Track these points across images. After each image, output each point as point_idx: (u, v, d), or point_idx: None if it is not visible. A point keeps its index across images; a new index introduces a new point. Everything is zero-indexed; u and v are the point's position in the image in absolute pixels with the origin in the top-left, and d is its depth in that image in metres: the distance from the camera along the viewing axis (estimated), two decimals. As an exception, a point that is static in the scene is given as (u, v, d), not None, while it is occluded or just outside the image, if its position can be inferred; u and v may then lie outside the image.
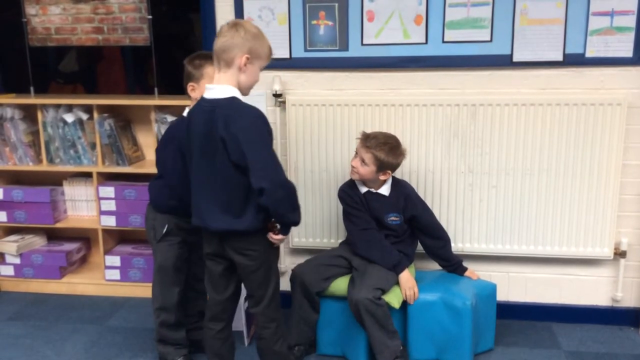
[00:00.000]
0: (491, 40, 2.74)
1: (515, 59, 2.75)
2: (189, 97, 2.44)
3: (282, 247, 3.05)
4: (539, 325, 2.96)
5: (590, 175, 2.76)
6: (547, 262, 2.93)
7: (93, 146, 3.28)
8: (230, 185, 2.01)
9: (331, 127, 2.89)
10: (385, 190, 2.64)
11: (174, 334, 2.58)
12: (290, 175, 2.94)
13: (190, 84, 2.40)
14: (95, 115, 3.20)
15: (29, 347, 2.83)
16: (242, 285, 2.28)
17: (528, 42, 2.72)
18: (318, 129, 2.90)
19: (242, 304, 2.74)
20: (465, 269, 2.76)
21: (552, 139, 2.75)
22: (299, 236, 3.01)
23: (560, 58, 2.72)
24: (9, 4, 3.55)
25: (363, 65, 2.85)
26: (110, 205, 3.25)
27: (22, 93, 3.49)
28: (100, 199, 3.25)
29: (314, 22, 2.84)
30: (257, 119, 2.01)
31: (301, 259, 2.80)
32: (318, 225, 2.99)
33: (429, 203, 2.83)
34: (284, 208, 2.03)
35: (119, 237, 3.52)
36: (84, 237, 3.61)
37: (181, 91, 2.49)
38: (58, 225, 3.40)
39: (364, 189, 2.64)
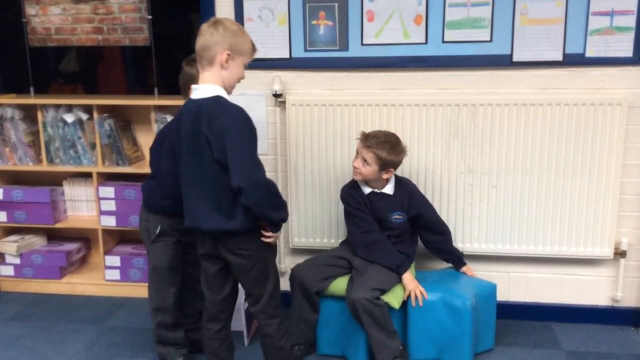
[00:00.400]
0: (491, 40, 2.74)
1: (515, 58, 2.75)
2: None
3: (282, 247, 3.05)
4: (539, 325, 2.96)
5: (590, 175, 2.76)
6: (547, 262, 2.93)
7: (93, 146, 3.28)
8: (218, 185, 2.01)
9: (331, 127, 2.89)
10: (389, 189, 2.63)
11: (173, 334, 2.57)
12: (290, 175, 2.94)
13: (193, 87, 2.38)
14: (95, 115, 3.20)
15: (29, 347, 2.83)
16: (240, 285, 2.28)
17: (528, 42, 2.72)
18: (318, 129, 2.90)
19: (242, 304, 2.74)
20: (464, 264, 2.78)
21: (552, 138, 2.75)
22: (299, 236, 3.01)
23: (560, 58, 2.72)
24: (9, 4, 3.56)
25: (363, 65, 2.85)
26: (110, 206, 3.25)
27: (22, 93, 3.49)
28: (100, 199, 3.25)
29: (314, 22, 2.84)
30: (239, 117, 2.00)
31: (301, 259, 2.80)
32: (318, 225, 2.99)
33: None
34: (265, 207, 2.02)
35: (119, 237, 3.52)
36: (84, 237, 3.61)
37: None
38: (58, 225, 3.40)
39: (367, 190, 2.63)
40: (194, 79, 2.37)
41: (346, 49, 2.85)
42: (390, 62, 2.83)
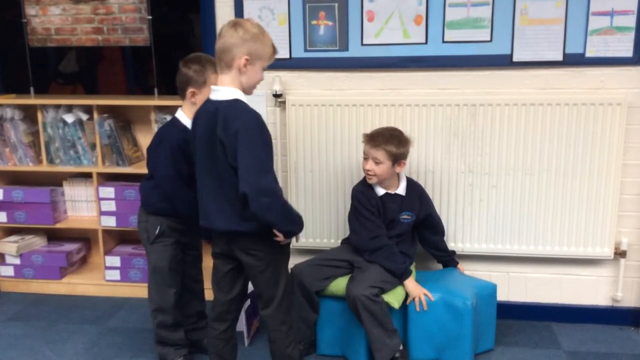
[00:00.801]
0: (491, 40, 2.74)
1: (515, 58, 2.75)
2: (184, 101, 2.42)
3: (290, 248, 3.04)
4: (539, 325, 2.95)
5: (591, 175, 2.76)
6: (547, 262, 2.93)
7: (93, 146, 3.28)
8: (232, 187, 1.99)
9: (331, 127, 2.89)
10: (402, 190, 2.64)
11: (173, 334, 2.57)
12: (290, 175, 2.94)
13: (190, 89, 2.37)
14: (95, 115, 3.20)
15: (29, 348, 2.83)
16: (248, 288, 2.28)
17: (528, 42, 2.72)
18: (318, 129, 2.90)
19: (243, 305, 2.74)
20: (457, 263, 2.82)
21: (552, 138, 2.75)
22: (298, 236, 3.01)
23: (560, 58, 2.72)
24: (9, 4, 3.55)
25: (363, 65, 2.85)
26: (110, 206, 3.25)
27: (22, 93, 3.49)
28: (100, 199, 3.25)
29: (314, 22, 2.84)
30: (253, 123, 1.97)
31: (301, 259, 2.79)
32: (318, 225, 2.99)
33: (429, 203, 2.84)
34: (272, 216, 1.97)
35: (119, 238, 3.52)
36: (84, 238, 3.61)
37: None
38: (58, 225, 3.40)
39: (381, 192, 2.62)
40: (191, 80, 2.36)
41: (346, 49, 2.85)
42: (390, 62, 2.83)
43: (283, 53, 2.86)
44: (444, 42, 2.77)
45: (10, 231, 3.50)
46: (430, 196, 2.83)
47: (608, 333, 2.88)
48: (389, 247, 2.57)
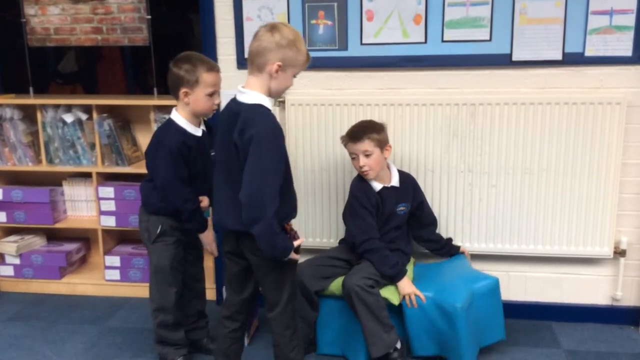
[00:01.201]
0: (490, 40, 2.74)
1: (515, 58, 2.74)
2: (178, 101, 2.41)
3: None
4: (539, 324, 2.96)
5: (590, 174, 2.76)
6: (547, 261, 2.93)
7: (92, 146, 3.28)
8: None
9: (331, 127, 2.89)
10: (395, 181, 2.65)
11: (173, 334, 2.57)
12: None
13: (183, 89, 2.35)
14: (95, 115, 3.20)
15: (29, 348, 2.83)
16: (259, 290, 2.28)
17: (527, 41, 2.71)
18: (317, 128, 2.90)
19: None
20: (458, 248, 2.81)
21: (552, 138, 2.75)
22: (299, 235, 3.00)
23: (559, 57, 2.72)
24: (8, 4, 3.55)
25: (362, 64, 2.85)
26: (110, 206, 3.25)
27: (21, 93, 3.48)
28: (99, 199, 3.25)
29: (313, 21, 2.84)
30: (269, 132, 1.93)
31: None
32: (318, 225, 2.99)
33: (428, 202, 2.83)
34: (255, 231, 1.93)
35: (118, 238, 3.52)
36: (84, 238, 3.61)
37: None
38: (58, 225, 3.40)
39: (378, 186, 2.62)
40: (183, 80, 2.34)
41: (345, 48, 2.85)
42: (390, 62, 2.83)
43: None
44: (443, 41, 2.77)
45: (9, 231, 3.50)
46: (430, 195, 2.84)
47: (608, 332, 2.88)
48: (381, 250, 2.56)
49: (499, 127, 2.77)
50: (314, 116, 2.88)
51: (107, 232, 3.37)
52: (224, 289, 3.06)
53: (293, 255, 2.06)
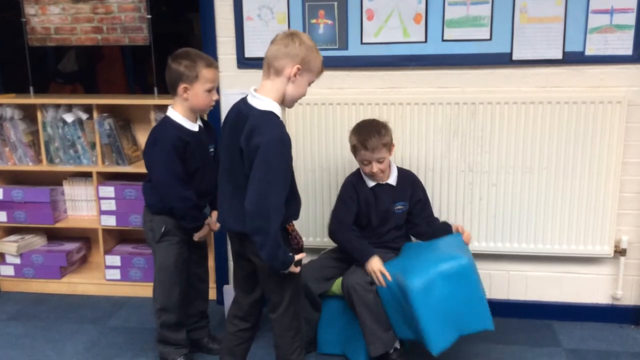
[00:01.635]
0: (491, 39, 2.74)
1: (515, 57, 2.74)
2: (176, 97, 2.41)
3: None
4: (539, 324, 2.96)
5: (590, 173, 2.76)
6: (547, 260, 2.93)
7: (93, 146, 3.28)
8: (244, 192, 1.97)
9: (331, 126, 2.89)
10: (393, 180, 2.63)
11: (175, 334, 2.57)
12: (290, 175, 2.94)
13: (182, 84, 2.35)
14: (95, 115, 3.20)
15: (30, 347, 2.84)
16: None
17: (528, 40, 2.72)
18: (318, 128, 2.90)
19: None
20: (450, 226, 2.65)
21: (552, 137, 2.75)
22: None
23: (559, 56, 2.72)
24: (8, 4, 3.55)
25: (363, 64, 2.85)
26: (110, 205, 3.25)
27: (21, 93, 3.49)
28: (100, 198, 3.25)
29: (314, 21, 2.84)
30: (276, 141, 1.92)
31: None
32: (319, 225, 2.99)
33: (429, 201, 2.83)
34: (257, 240, 1.92)
35: (119, 237, 3.52)
36: (84, 237, 3.61)
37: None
38: (58, 225, 3.40)
39: (371, 183, 2.62)
40: (182, 76, 2.34)
41: (346, 47, 2.85)
42: (390, 61, 2.83)
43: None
44: (443, 40, 2.77)
45: (10, 231, 3.50)
46: (430, 194, 2.83)
47: (608, 331, 2.88)
48: (345, 233, 2.57)
49: (500, 126, 2.77)
50: (314, 115, 2.88)
51: (107, 231, 3.37)
52: (224, 288, 3.07)
53: (292, 269, 2.03)
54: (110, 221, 3.28)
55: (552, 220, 2.82)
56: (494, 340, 2.79)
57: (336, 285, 2.60)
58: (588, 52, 2.70)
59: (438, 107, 2.80)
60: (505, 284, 2.99)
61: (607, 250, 2.82)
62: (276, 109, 1.99)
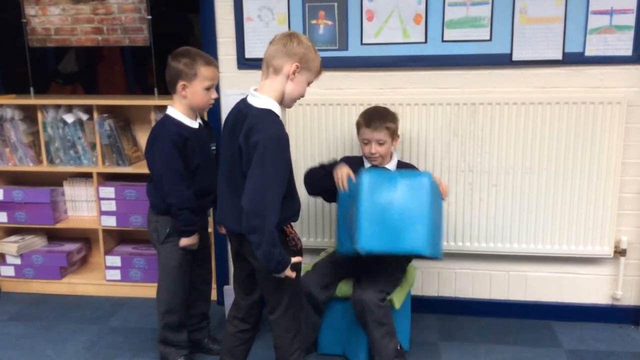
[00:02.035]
0: (491, 39, 2.74)
1: (515, 57, 2.75)
2: (175, 95, 2.42)
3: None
4: (539, 324, 2.96)
5: (590, 174, 2.76)
6: (547, 261, 2.93)
7: (93, 146, 3.28)
8: (243, 191, 1.97)
9: (331, 127, 2.89)
10: (392, 167, 2.60)
11: (177, 335, 2.57)
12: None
13: (181, 82, 2.36)
14: (95, 115, 3.20)
15: (30, 348, 2.84)
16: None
17: (527, 40, 2.72)
18: (318, 128, 2.90)
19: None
20: None
21: (552, 137, 2.75)
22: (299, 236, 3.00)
23: (559, 57, 2.72)
24: (9, 4, 3.55)
25: (363, 64, 2.85)
26: (111, 206, 3.26)
27: (22, 94, 3.49)
28: (100, 199, 3.25)
29: (314, 21, 2.84)
30: (274, 140, 1.92)
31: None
32: (319, 225, 2.99)
33: (429, 202, 2.84)
34: (253, 240, 1.91)
35: (119, 238, 3.52)
36: (85, 238, 3.61)
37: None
38: (58, 225, 3.40)
39: (369, 164, 2.61)
40: (181, 74, 2.36)
41: (346, 48, 2.85)
42: (390, 62, 2.83)
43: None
44: (443, 41, 2.77)
45: (10, 231, 3.50)
46: (430, 195, 2.83)
47: (608, 331, 2.88)
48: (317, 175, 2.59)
49: (499, 127, 2.78)
50: (314, 116, 2.89)
51: (107, 232, 3.37)
52: (225, 288, 3.07)
53: (288, 273, 2.01)
54: (110, 222, 3.28)
55: (552, 220, 2.83)
56: (494, 341, 2.79)
57: (338, 288, 2.60)
58: (588, 53, 2.70)
59: (438, 107, 2.80)
60: (505, 284, 2.99)
61: (607, 250, 2.82)
62: (275, 107, 2.00)
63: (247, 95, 2.06)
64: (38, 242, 3.50)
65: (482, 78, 2.80)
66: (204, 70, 2.36)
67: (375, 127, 2.50)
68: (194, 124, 2.45)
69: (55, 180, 3.44)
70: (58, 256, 3.40)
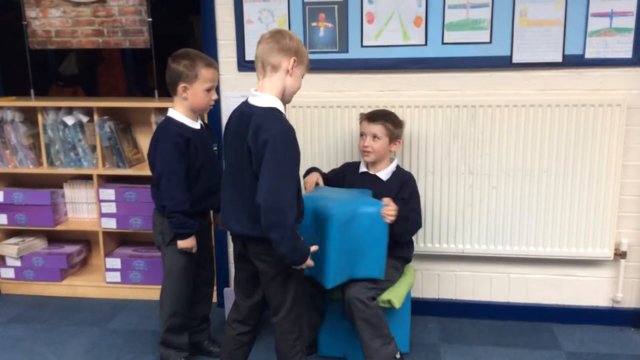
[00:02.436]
0: (491, 42, 2.74)
1: (515, 60, 2.75)
2: (175, 97, 2.43)
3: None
4: (539, 326, 2.96)
5: (590, 176, 2.76)
6: (547, 263, 2.93)
7: (93, 148, 3.28)
8: (251, 193, 1.98)
9: (331, 129, 2.89)
10: (384, 175, 2.62)
11: (178, 337, 2.57)
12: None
13: (182, 84, 2.37)
14: (96, 117, 3.20)
15: (30, 350, 2.83)
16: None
17: (527, 43, 2.72)
18: (318, 130, 2.90)
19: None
20: None
21: (552, 140, 2.75)
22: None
23: (559, 59, 2.72)
24: (9, 6, 3.55)
25: (363, 67, 2.86)
26: (111, 208, 3.26)
27: (22, 96, 3.49)
28: (100, 201, 3.25)
29: (314, 24, 2.85)
30: (283, 135, 1.92)
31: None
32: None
33: (429, 204, 2.84)
34: (274, 236, 1.91)
35: (119, 240, 3.52)
36: (85, 240, 3.61)
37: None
38: (58, 227, 3.40)
39: (363, 169, 2.65)
40: (182, 75, 2.36)
41: (346, 50, 2.85)
42: (390, 64, 2.83)
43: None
44: (443, 43, 2.78)
45: (10, 233, 3.51)
46: (431, 197, 2.84)
47: (608, 334, 2.88)
48: None
49: (500, 129, 2.78)
50: (314, 118, 2.89)
51: (107, 234, 3.37)
52: (225, 290, 3.07)
53: (309, 262, 2.04)
54: (110, 224, 3.28)
55: (552, 222, 2.83)
56: (494, 343, 2.79)
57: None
58: (588, 55, 2.70)
59: (438, 109, 2.80)
60: (505, 286, 2.99)
61: (607, 252, 2.82)
62: (278, 104, 2.01)
63: (247, 97, 2.06)
64: (38, 244, 3.50)
65: (482, 80, 2.81)
66: (204, 72, 2.36)
67: (373, 120, 2.56)
68: (196, 125, 2.46)
69: (56, 182, 3.44)
70: (58, 258, 3.40)
